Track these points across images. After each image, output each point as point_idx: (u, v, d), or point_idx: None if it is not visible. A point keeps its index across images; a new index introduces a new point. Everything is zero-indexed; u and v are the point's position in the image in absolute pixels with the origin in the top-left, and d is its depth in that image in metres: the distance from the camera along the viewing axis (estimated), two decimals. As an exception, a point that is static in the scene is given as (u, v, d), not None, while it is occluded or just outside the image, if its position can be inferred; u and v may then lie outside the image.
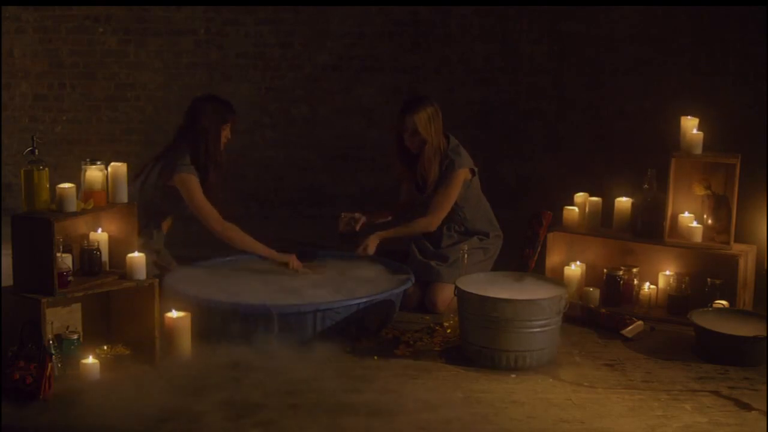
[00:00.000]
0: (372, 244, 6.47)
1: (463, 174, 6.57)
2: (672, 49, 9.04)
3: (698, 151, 6.43)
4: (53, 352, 5.06)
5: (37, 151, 5.10)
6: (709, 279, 6.33)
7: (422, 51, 9.22)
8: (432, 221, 6.54)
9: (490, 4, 9.03)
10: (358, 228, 6.66)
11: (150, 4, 8.99)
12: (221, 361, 5.40)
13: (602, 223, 6.87)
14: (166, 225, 6.50)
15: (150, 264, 5.67)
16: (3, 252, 6.25)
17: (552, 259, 6.74)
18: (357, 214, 6.70)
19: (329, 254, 6.69)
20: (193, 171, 6.25)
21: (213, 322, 5.65)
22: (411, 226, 6.55)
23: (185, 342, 5.48)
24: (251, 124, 9.13)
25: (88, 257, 5.31)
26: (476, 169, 6.65)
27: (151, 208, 6.29)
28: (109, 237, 5.43)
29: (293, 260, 6.30)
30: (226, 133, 6.41)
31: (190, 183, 6.22)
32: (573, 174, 8.00)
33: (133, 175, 6.34)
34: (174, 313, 5.48)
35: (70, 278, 5.13)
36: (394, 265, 6.44)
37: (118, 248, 5.43)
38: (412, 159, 6.64)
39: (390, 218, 6.87)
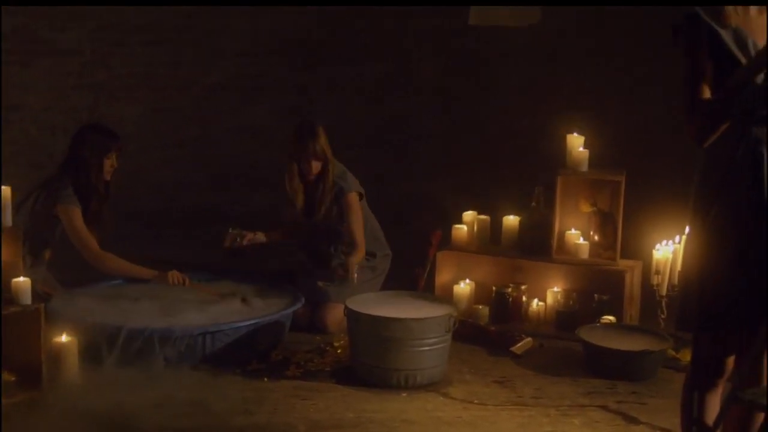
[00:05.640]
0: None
1: (354, 196, 6.60)
2: (561, 68, 9.15)
3: (584, 168, 6.53)
4: (-64, 379, 4.96)
5: None
6: (596, 295, 6.41)
7: (313, 70, 9.21)
8: (361, 250, 6.54)
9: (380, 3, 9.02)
10: (245, 243, 6.63)
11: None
12: (109, 386, 5.30)
13: (491, 240, 6.93)
14: (48, 252, 6.42)
15: (36, 289, 5.59)
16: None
17: (441, 277, 6.78)
18: (245, 231, 6.67)
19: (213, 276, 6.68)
20: (75, 201, 6.25)
21: (100, 346, 5.55)
22: (356, 255, 6.51)
23: (72, 367, 5.38)
24: (141, 145, 9.02)
25: (-29, 282, 5.20)
26: (363, 193, 6.68)
27: (34, 235, 6.22)
28: (-7, 261, 5.33)
29: (172, 275, 6.27)
30: (110, 162, 6.37)
31: (72, 214, 6.22)
32: (464, 192, 8.06)
33: (17, 201, 6.25)
34: (60, 338, 5.39)
35: (-48, 304, 5.02)
36: (280, 286, 6.45)
37: (2, 273, 5.31)
38: (307, 186, 6.65)
39: (281, 239, 6.86)
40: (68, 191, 6.24)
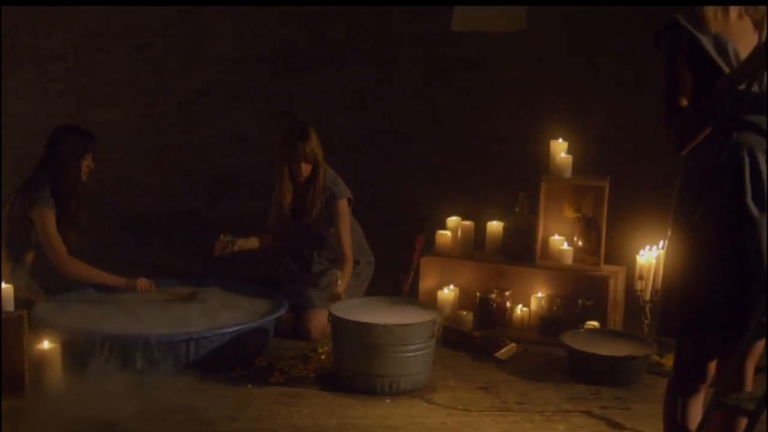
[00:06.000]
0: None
1: (345, 203, 6.62)
2: (547, 73, 9.14)
3: (568, 174, 6.54)
4: None
5: None
6: (580, 300, 6.41)
7: (298, 76, 9.20)
8: (349, 263, 6.56)
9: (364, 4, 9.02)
10: (236, 249, 6.61)
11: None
12: (92, 393, 5.28)
13: (475, 246, 6.93)
14: (29, 257, 6.39)
15: (18, 296, 5.57)
16: None
17: (425, 283, 6.78)
18: (236, 238, 6.65)
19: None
20: (51, 204, 6.20)
21: (85, 353, 5.53)
22: (346, 270, 6.53)
23: (56, 374, 5.37)
24: (124, 151, 9.02)
25: (-47, 289, 5.18)
26: (352, 199, 6.68)
27: (12, 239, 6.20)
28: (-25, 268, 5.32)
29: (141, 282, 6.29)
30: (87, 163, 6.36)
31: (46, 216, 6.17)
32: (448, 198, 8.06)
33: (-2, 207, 6.25)
34: (43, 345, 5.37)
35: (-67, 311, 5.01)
36: (264, 291, 6.46)
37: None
38: (297, 189, 6.65)
39: (273, 242, 6.85)
40: (45, 193, 6.20)
